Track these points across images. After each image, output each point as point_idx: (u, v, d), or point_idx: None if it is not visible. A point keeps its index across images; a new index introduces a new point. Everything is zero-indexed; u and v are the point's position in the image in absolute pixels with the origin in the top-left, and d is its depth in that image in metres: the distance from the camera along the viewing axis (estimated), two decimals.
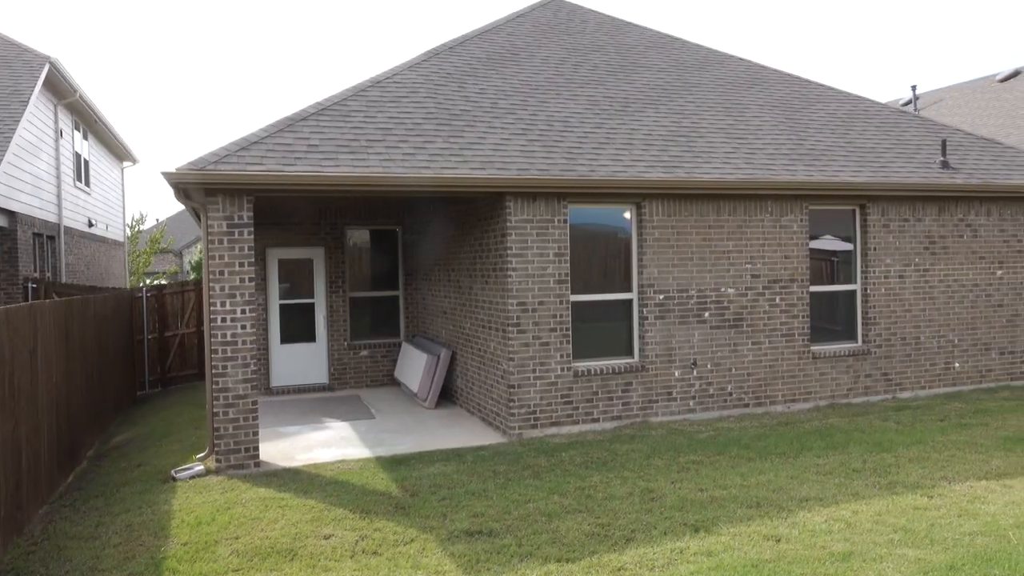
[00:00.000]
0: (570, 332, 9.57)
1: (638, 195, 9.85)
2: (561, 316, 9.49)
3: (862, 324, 11.18)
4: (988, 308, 11.89)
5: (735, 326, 10.35)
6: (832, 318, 11.25)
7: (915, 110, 28.51)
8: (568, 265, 9.56)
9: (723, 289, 10.29)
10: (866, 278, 11.13)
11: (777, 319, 10.57)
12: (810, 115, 12.69)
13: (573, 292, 9.71)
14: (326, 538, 6.10)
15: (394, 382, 13.47)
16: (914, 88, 28.91)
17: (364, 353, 13.42)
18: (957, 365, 11.67)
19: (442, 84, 11.04)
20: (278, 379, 13.08)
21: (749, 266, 10.41)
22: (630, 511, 6.46)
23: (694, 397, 10.15)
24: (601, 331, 9.93)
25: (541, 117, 10.65)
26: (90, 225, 19.99)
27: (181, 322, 15.28)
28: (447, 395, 11.86)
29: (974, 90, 27.43)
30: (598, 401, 9.69)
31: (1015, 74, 26.21)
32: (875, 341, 11.16)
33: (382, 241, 13.86)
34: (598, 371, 9.65)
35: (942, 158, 11.84)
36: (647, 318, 9.92)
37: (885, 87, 64.05)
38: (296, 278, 13.24)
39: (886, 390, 11.23)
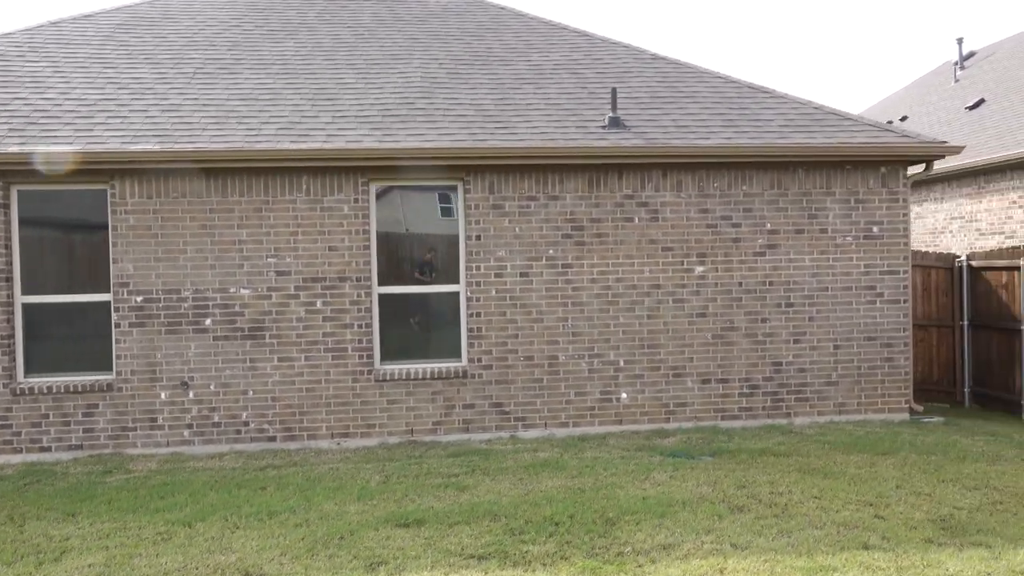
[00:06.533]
0: (12, 342, 7.86)
1: (106, 172, 7.92)
2: None
3: (466, 337, 8.42)
4: (681, 318, 8.58)
5: (253, 337, 8.09)
6: (428, 330, 8.59)
7: (960, 67, 23.09)
8: (10, 259, 7.87)
9: (234, 290, 8.07)
10: (469, 276, 8.37)
11: (319, 329, 8.16)
12: (494, 69, 9.92)
13: (25, 292, 7.99)
14: None
15: None
16: (960, 41, 23.44)
17: None
18: (624, 396, 8.52)
19: (10, 50, 9.68)
20: None
21: (273, 260, 8.10)
22: None
23: (190, 426, 8.04)
24: (72, 341, 8.12)
25: (84, 87, 8.98)
26: None
27: None
28: None
29: None
30: (49, 426, 7.90)
31: None
32: (482, 360, 8.36)
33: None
34: (48, 389, 7.86)
35: (612, 114, 8.70)
36: (120, 325, 7.97)
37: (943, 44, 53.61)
38: None
39: (500, 426, 8.39)
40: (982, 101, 18.24)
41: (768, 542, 5.03)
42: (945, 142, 8.68)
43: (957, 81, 21.92)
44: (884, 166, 8.75)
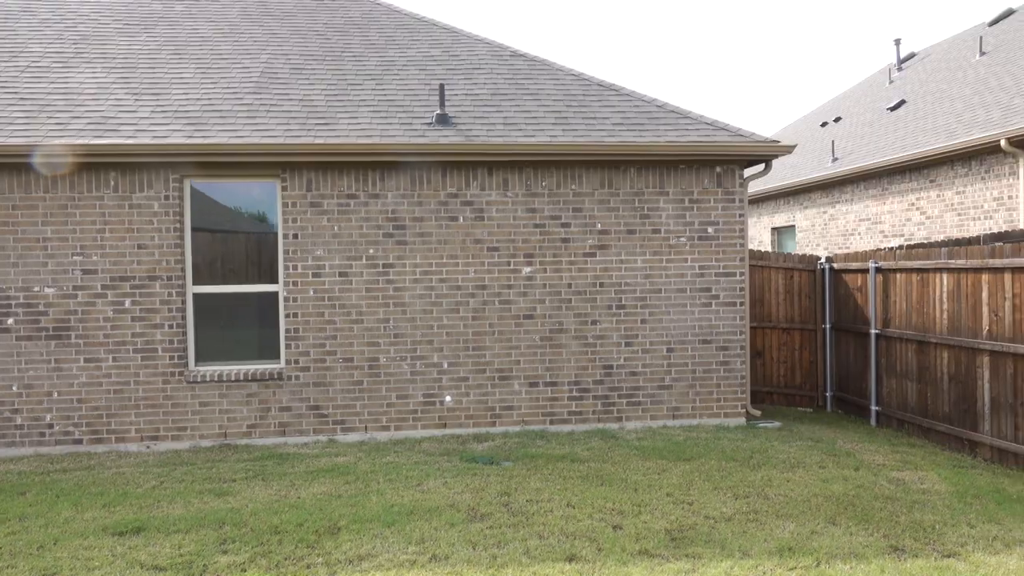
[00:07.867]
0: None
1: None
2: None
3: (284, 338, 8.22)
4: (508, 320, 8.39)
5: (58, 337, 7.88)
6: (245, 330, 8.38)
7: (898, 69, 22.97)
8: None
9: (38, 288, 7.86)
10: (287, 276, 8.17)
11: (127, 329, 7.95)
12: (342, 65, 9.73)
13: None
14: None
15: None
16: (897, 43, 23.29)
17: None
18: (449, 399, 8.32)
19: None
20: None
21: (79, 258, 7.89)
22: None
23: None
24: None
25: None
26: None
27: None
28: None
29: (965, 40, 21.37)
30: None
31: (1007, 14, 20.03)
32: (300, 362, 8.16)
33: None
34: None
35: (439, 111, 8.51)
36: None
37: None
38: None
39: (319, 429, 8.19)
40: (903, 103, 18.11)
41: (472, 553, 4.84)
42: (777, 141, 8.48)
43: (892, 83, 21.82)
44: (719, 165, 8.57)
